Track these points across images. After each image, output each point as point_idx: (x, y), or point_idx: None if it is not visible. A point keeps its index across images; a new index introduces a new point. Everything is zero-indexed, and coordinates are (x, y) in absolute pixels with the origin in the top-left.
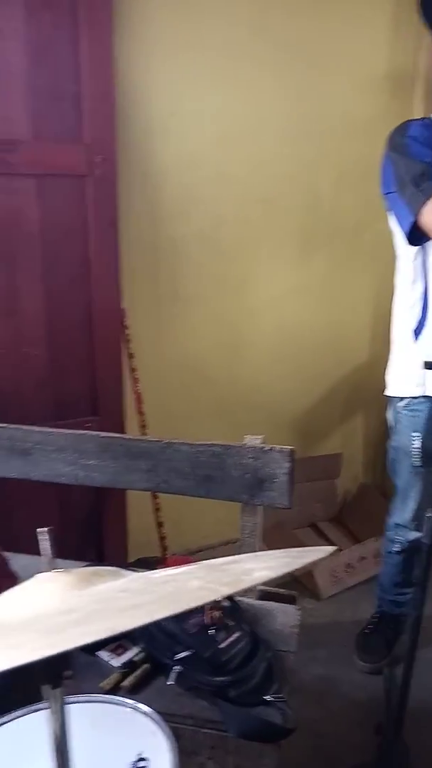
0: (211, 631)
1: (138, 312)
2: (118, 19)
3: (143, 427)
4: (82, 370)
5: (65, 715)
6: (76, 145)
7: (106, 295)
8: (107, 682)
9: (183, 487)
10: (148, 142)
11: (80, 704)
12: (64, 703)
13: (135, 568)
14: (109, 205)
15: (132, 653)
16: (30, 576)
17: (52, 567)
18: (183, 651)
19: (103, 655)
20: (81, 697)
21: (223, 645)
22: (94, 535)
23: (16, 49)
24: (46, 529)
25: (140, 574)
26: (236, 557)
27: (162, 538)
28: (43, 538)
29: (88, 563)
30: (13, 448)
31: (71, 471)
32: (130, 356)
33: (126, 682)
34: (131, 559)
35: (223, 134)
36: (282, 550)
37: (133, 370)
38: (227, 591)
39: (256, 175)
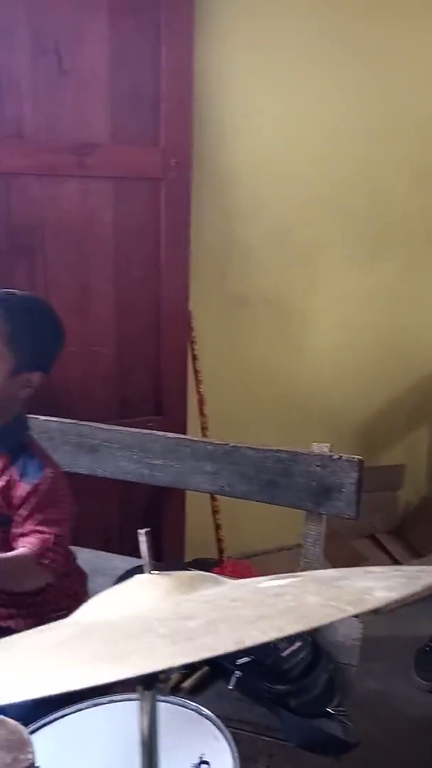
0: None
1: (203, 313)
2: (196, 22)
3: (204, 429)
4: (148, 370)
5: (156, 716)
6: (152, 148)
7: (174, 296)
8: (169, 683)
9: (246, 491)
10: (221, 143)
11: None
12: (155, 705)
13: (192, 569)
14: (181, 208)
15: None
16: (91, 571)
17: (150, 569)
18: (244, 657)
19: None
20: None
21: (284, 653)
22: (152, 533)
23: (99, 53)
24: (144, 530)
25: (240, 582)
26: (341, 572)
27: (219, 541)
28: (142, 539)
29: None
30: (81, 445)
31: (136, 469)
32: (195, 358)
33: (186, 684)
34: (187, 559)
35: (295, 135)
36: (391, 567)
37: (196, 371)
38: (352, 610)
39: (326, 177)
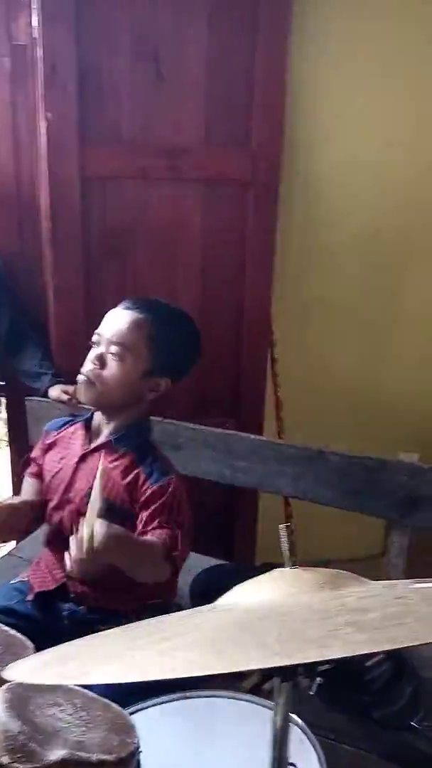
0: None
1: (284, 316)
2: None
3: (280, 433)
4: (227, 370)
5: (289, 710)
6: (242, 152)
7: (257, 299)
8: (247, 683)
9: (329, 497)
10: (312, 146)
11: (230, 701)
12: (290, 699)
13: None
14: (269, 212)
15: None
16: None
17: (291, 563)
18: (326, 664)
19: None
20: (234, 694)
21: (368, 663)
22: (224, 534)
23: (196, 57)
24: (284, 525)
25: (388, 582)
26: None
27: (291, 547)
28: (283, 533)
29: (221, 560)
30: (165, 442)
31: (218, 469)
32: (274, 361)
33: (266, 686)
34: (257, 562)
35: (388, 139)
36: None
37: (275, 375)
38: None
39: (418, 183)
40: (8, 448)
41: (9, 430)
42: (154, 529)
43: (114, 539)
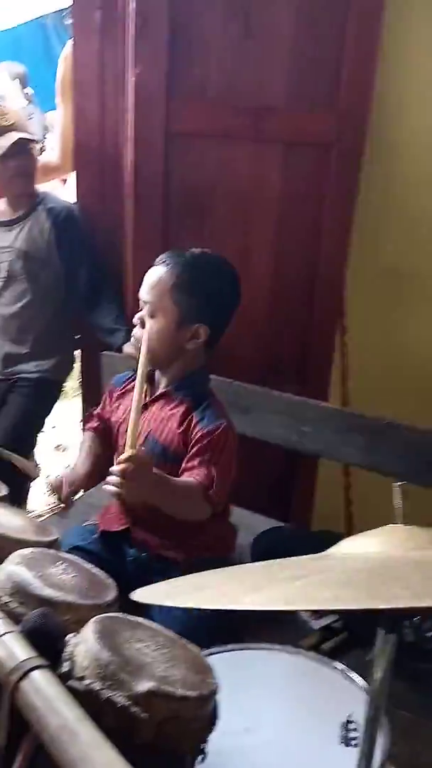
0: (417, 619)
1: (357, 285)
2: None
3: (345, 404)
4: (296, 337)
5: (391, 661)
6: (327, 113)
7: (331, 265)
8: (308, 641)
9: (400, 470)
10: (401, 111)
11: (290, 656)
12: (392, 651)
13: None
14: (350, 177)
15: (330, 619)
16: None
17: (401, 521)
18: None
19: (303, 614)
20: (294, 650)
21: (429, 634)
22: (282, 497)
23: (286, 15)
24: (399, 483)
25: None
26: None
27: (349, 516)
28: (396, 491)
29: (277, 521)
30: (234, 404)
31: (284, 434)
32: (344, 330)
33: (326, 646)
34: (313, 529)
35: None
36: None
37: (344, 343)
38: None
39: None
40: (81, 400)
41: (82, 383)
42: (193, 467)
43: (144, 475)
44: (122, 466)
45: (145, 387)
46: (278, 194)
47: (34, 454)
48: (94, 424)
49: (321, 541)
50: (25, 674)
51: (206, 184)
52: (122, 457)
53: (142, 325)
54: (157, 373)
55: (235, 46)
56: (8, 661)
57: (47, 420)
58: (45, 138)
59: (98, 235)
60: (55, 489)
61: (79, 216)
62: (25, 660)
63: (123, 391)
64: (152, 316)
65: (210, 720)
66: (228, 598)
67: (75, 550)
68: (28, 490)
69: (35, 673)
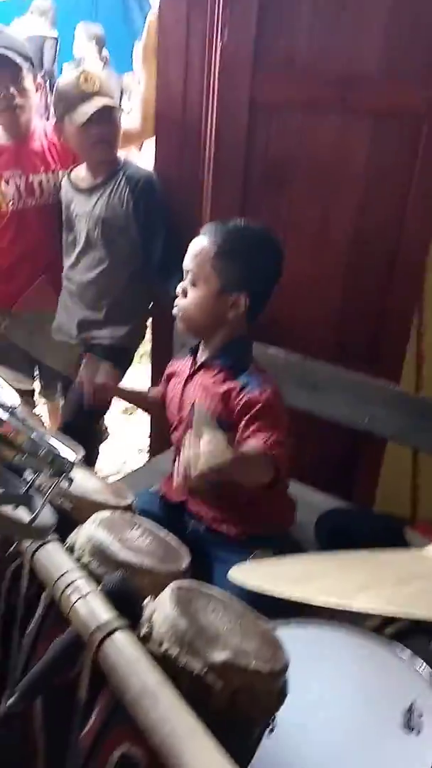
0: None
1: None
2: None
3: (418, 389)
4: (371, 316)
5: None
6: (420, 85)
7: (413, 246)
8: (372, 622)
9: None
10: None
11: (352, 636)
12: None
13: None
14: None
15: None
16: None
17: None
18: None
19: None
20: (357, 630)
21: None
22: (345, 477)
23: None
24: None
25: None
26: None
27: (414, 502)
28: None
29: (340, 500)
30: (303, 381)
31: (353, 414)
32: (421, 311)
33: (389, 629)
34: (375, 510)
35: None
36: None
37: (420, 326)
38: None
39: None
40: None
41: (152, 351)
42: (248, 437)
43: (219, 453)
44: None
45: (189, 358)
46: (363, 169)
47: (104, 418)
48: (159, 386)
49: (387, 525)
50: (108, 634)
51: (288, 156)
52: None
53: (185, 295)
54: (202, 344)
55: (327, 16)
56: (91, 620)
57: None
58: (120, 102)
59: (175, 205)
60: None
61: (157, 184)
62: (108, 621)
63: (173, 368)
64: (194, 284)
65: (280, 694)
66: (339, 597)
67: (143, 513)
68: (98, 454)
69: (118, 634)
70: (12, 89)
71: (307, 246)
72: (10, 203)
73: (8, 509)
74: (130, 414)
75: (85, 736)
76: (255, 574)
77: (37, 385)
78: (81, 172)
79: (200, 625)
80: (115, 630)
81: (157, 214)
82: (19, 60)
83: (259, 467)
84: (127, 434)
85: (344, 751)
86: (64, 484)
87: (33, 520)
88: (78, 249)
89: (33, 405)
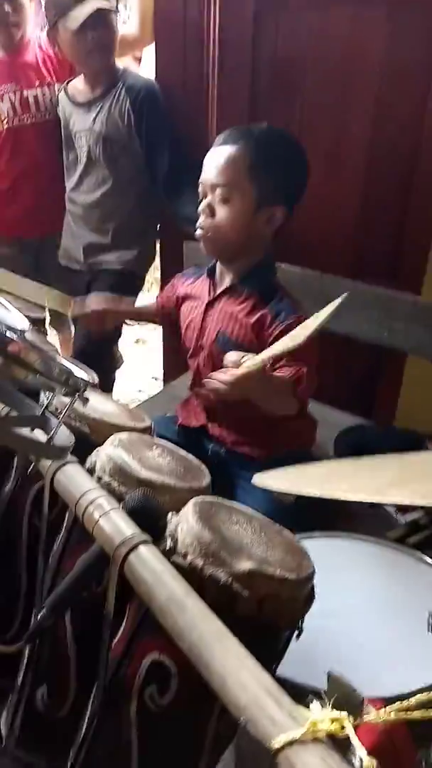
0: None
1: None
2: None
3: None
4: (390, 229)
5: None
6: None
7: None
8: (394, 533)
9: None
10: None
11: (376, 545)
12: None
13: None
14: None
15: (417, 515)
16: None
17: None
18: None
19: (389, 508)
20: (380, 540)
21: None
22: (366, 393)
23: None
24: None
25: None
26: None
27: None
28: None
29: (360, 418)
30: (321, 297)
31: (374, 330)
32: None
33: (411, 540)
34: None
35: None
36: None
37: None
38: None
39: None
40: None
41: (162, 275)
42: (281, 366)
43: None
44: (241, 375)
45: (205, 280)
46: (379, 68)
47: (118, 345)
48: (157, 301)
49: (407, 440)
50: (133, 548)
51: (298, 54)
52: (245, 369)
53: (211, 214)
54: (219, 268)
55: None
56: (116, 536)
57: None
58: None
59: (179, 116)
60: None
61: (159, 94)
62: (131, 536)
63: (187, 289)
64: (226, 201)
65: (306, 600)
66: (369, 493)
67: (160, 438)
68: (114, 380)
69: (142, 548)
70: (6, 6)
71: (322, 155)
72: (5, 120)
73: (25, 431)
74: (143, 343)
75: (115, 646)
76: (280, 477)
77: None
78: (78, 85)
79: (224, 536)
80: (139, 544)
81: (160, 125)
82: None
83: (286, 397)
84: (140, 362)
85: (371, 653)
86: (79, 404)
87: (50, 439)
88: (80, 168)
89: (45, 333)
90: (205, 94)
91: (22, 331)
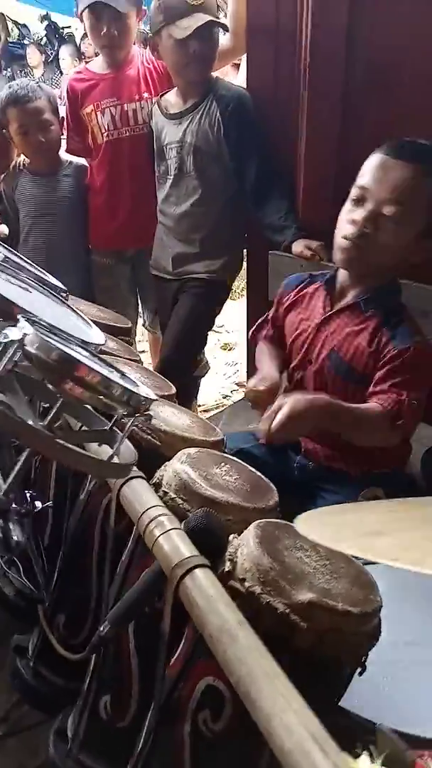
0: None
1: None
2: None
3: None
4: None
5: None
6: None
7: None
8: None
9: None
10: None
11: None
12: None
13: None
14: None
15: None
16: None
17: None
18: None
19: None
20: None
21: None
22: None
23: None
24: None
25: None
26: None
27: None
28: None
29: None
30: (414, 308)
31: None
32: None
33: None
34: None
35: None
36: None
37: None
38: None
39: None
40: (246, 300)
41: (248, 283)
42: (382, 391)
43: (311, 411)
44: (283, 419)
45: (321, 291)
46: None
47: (204, 352)
48: (269, 332)
49: None
50: (189, 571)
51: (397, 48)
52: (286, 411)
53: (375, 228)
54: (343, 280)
55: None
56: (174, 556)
57: (216, 320)
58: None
59: (269, 125)
60: (255, 399)
61: (250, 104)
62: (189, 557)
63: (297, 297)
64: (400, 222)
65: (372, 635)
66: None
67: (239, 453)
68: (198, 386)
69: (198, 571)
70: (113, 30)
71: None
72: (105, 134)
73: (94, 446)
74: (230, 350)
75: (173, 664)
76: (322, 523)
77: (140, 320)
78: (171, 97)
79: (285, 563)
80: (195, 567)
81: (250, 134)
82: (121, 6)
83: (375, 432)
84: (227, 368)
85: None
86: (144, 420)
87: (111, 457)
88: (170, 180)
89: (130, 343)
90: (296, 101)
91: (97, 346)
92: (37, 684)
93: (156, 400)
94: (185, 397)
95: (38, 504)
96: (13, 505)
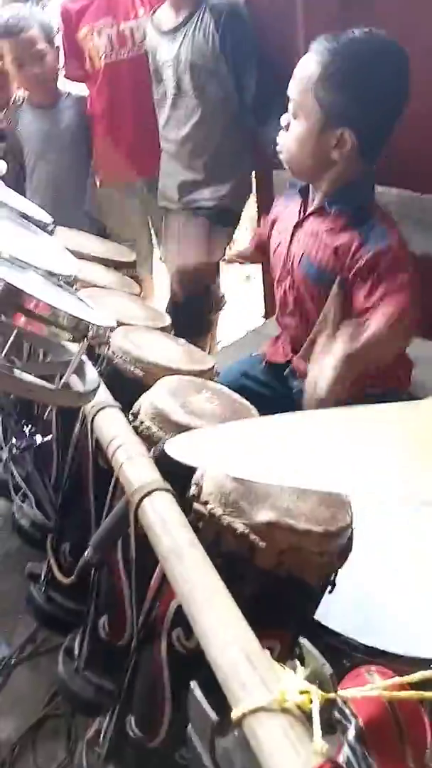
0: None
1: None
2: None
3: None
4: None
5: None
6: None
7: None
8: None
9: None
10: None
11: None
12: None
13: None
14: None
15: None
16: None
17: None
18: None
19: None
20: None
21: None
22: None
23: None
24: None
25: None
26: None
27: None
28: None
29: None
30: (422, 221)
31: None
32: None
33: None
34: None
35: None
36: None
37: None
38: None
39: None
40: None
41: (258, 207)
42: (377, 306)
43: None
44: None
45: (297, 200)
46: None
47: (218, 283)
48: (253, 241)
49: None
50: (147, 494)
51: None
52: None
53: (287, 129)
54: (311, 187)
55: None
56: (134, 481)
57: (227, 250)
58: None
59: (266, 34)
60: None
61: (244, 12)
62: (148, 482)
63: (278, 211)
64: (295, 116)
65: (340, 554)
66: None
67: (244, 377)
68: (215, 320)
69: (156, 494)
70: None
71: (429, 60)
72: (102, 57)
73: (74, 378)
74: (253, 280)
75: (151, 587)
76: (197, 444)
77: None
78: (163, 13)
79: (248, 486)
80: (154, 491)
81: (246, 45)
82: None
83: (394, 344)
84: (248, 300)
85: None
86: (132, 347)
87: (63, 384)
88: (169, 102)
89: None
90: (293, 6)
91: (65, 276)
92: (49, 607)
93: (110, 327)
94: (197, 331)
95: (38, 438)
96: (13, 440)
